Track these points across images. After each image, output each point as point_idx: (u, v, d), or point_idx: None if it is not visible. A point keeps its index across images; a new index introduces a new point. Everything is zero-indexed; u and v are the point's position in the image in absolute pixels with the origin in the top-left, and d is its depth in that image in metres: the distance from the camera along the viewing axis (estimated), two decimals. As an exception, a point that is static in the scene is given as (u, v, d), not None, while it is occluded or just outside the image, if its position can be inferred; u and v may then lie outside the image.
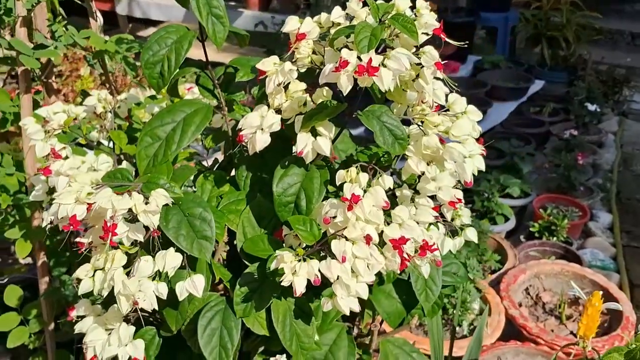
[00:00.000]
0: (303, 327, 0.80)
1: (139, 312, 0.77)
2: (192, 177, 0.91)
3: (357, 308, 0.73)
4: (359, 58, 0.66)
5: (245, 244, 0.81)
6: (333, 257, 0.72)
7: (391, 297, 0.91)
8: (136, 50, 1.19)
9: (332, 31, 0.78)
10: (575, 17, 4.43)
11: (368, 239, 0.70)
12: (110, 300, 0.88)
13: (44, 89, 1.20)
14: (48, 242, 1.29)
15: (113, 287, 0.73)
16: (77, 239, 0.79)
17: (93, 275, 0.76)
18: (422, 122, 0.76)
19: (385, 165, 0.81)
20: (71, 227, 0.71)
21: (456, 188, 0.81)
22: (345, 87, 0.67)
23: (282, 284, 0.69)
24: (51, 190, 1.01)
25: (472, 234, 0.86)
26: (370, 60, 0.65)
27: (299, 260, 0.69)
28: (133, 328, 0.81)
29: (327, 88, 0.79)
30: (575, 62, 4.42)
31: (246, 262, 0.82)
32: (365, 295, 0.73)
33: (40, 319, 1.32)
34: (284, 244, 0.80)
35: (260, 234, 0.83)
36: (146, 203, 0.71)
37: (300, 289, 0.68)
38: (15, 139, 1.75)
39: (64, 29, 1.14)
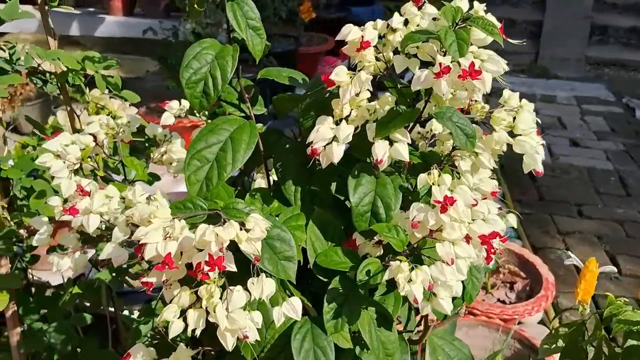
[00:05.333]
0: (387, 334, 0.80)
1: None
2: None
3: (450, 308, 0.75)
4: (458, 63, 0.67)
5: (319, 258, 0.79)
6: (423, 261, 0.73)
7: (436, 290, 0.94)
8: (115, 67, 1.09)
9: (391, 37, 0.78)
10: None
11: (468, 238, 0.71)
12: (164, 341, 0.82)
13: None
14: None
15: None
16: (144, 279, 0.73)
17: (180, 316, 0.70)
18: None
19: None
20: (166, 267, 0.66)
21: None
22: (446, 92, 0.68)
23: (402, 294, 0.68)
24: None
25: (513, 220, 0.91)
26: (473, 64, 0.66)
27: (411, 269, 0.69)
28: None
29: (388, 94, 0.79)
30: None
31: (320, 277, 0.80)
32: (460, 293, 0.75)
33: (13, 375, 1.18)
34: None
35: (330, 247, 0.81)
36: (246, 230, 0.67)
37: (420, 295, 0.68)
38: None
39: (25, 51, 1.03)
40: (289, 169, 0.87)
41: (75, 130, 1.20)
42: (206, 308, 0.68)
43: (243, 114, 0.90)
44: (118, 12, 4.77)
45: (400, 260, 0.70)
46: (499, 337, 2.13)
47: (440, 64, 0.67)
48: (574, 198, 3.30)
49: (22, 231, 1.24)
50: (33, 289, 1.32)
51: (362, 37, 0.75)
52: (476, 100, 0.80)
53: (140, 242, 0.70)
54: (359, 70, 0.76)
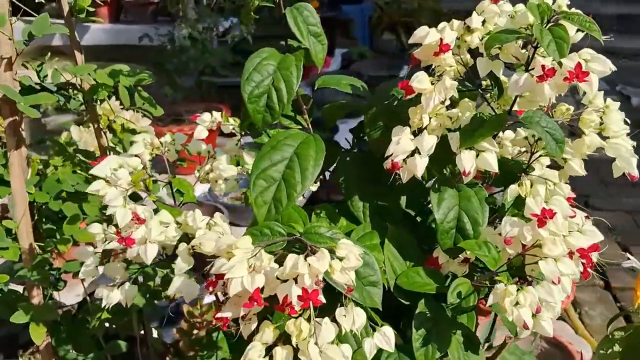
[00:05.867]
0: (474, 358, 0.74)
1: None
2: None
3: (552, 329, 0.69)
4: (558, 63, 0.61)
5: (400, 279, 0.73)
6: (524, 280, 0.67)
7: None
8: (148, 81, 1.02)
9: (468, 38, 0.72)
10: (427, 2, 4.68)
11: (571, 254, 0.66)
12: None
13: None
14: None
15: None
16: (218, 315, 0.66)
17: (266, 355, 0.64)
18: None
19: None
20: (255, 303, 0.59)
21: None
22: (549, 96, 0.62)
23: (510, 319, 0.63)
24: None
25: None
26: (580, 65, 0.61)
27: (517, 291, 0.64)
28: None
29: (467, 99, 0.74)
30: (434, 45, 4.65)
31: (402, 300, 0.74)
32: (559, 312, 0.69)
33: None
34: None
35: (408, 266, 0.76)
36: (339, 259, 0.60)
37: (529, 320, 0.62)
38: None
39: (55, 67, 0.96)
40: (354, 183, 0.81)
41: (102, 148, 1.13)
42: (296, 345, 0.62)
43: (300, 127, 0.84)
44: (104, 19, 4.66)
45: (504, 283, 0.64)
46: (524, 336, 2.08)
47: (543, 66, 0.61)
48: (580, 190, 3.26)
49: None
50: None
51: (442, 39, 0.69)
52: (555, 103, 0.75)
53: (216, 276, 0.64)
54: (438, 76, 0.70)
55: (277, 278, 0.62)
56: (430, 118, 0.71)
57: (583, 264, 0.69)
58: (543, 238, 0.66)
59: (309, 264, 0.58)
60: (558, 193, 0.70)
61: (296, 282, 0.60)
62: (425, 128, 0.71)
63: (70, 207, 1.06)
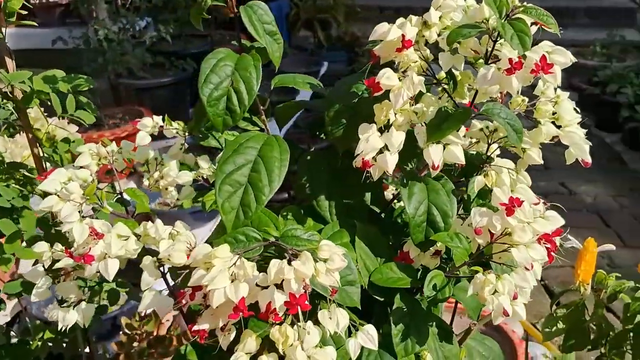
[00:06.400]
0: (449, 348, 0.76)
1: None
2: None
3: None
4: (523, 56, 0.63)
5: (374, 276, 0.73)
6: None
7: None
8: (84, 87, 0.97)
9: (426, 33, 0.73)
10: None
11: (540, 239, 0.68)
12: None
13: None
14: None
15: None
16: (196, 327, 0.64)
17: (251, 364, 0.62)
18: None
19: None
20: (241, 314, 0.57)
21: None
22: (517, 88, 0.64)
23: (490, 308, 0.64)
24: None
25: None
26: (545, 57, 0.63)
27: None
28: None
29: (430, 94, 0.74)
30: (351, 41, 4.71)
31: (376, 297, 0.74)
32: (529, 296, 0.71)
33: None
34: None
35: (380, 263, 0.75)
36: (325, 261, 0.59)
37: (509, 308, 0.64)
38: None
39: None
40: (317, 182, 0.80)
41: (38, 159, 1.06)
42: (283, 352, 0.60)
43: (257, 128, 0.82)
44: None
45: (482, 272, 0.65)
46: (460, 320, 2.15)
47: (510, 59, 0.63)
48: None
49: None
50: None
51: (403, 36, 0.69)
52: (506, 94, 0.77)
53: (194, 288, 0.61)
54: (402, 72, 0.70)
55: (257, 285, 0.61)
56: (395, 114, 0.71)
57: (547, 248, 0.72)
58: (512, 226, 0.67)
59: (295, 269, 0.57)
60: (521, 181, 0.72)
61: (278, 288, 0.59)
62: (392, 124, 0.71)
63: (8, 224, 0.99)
